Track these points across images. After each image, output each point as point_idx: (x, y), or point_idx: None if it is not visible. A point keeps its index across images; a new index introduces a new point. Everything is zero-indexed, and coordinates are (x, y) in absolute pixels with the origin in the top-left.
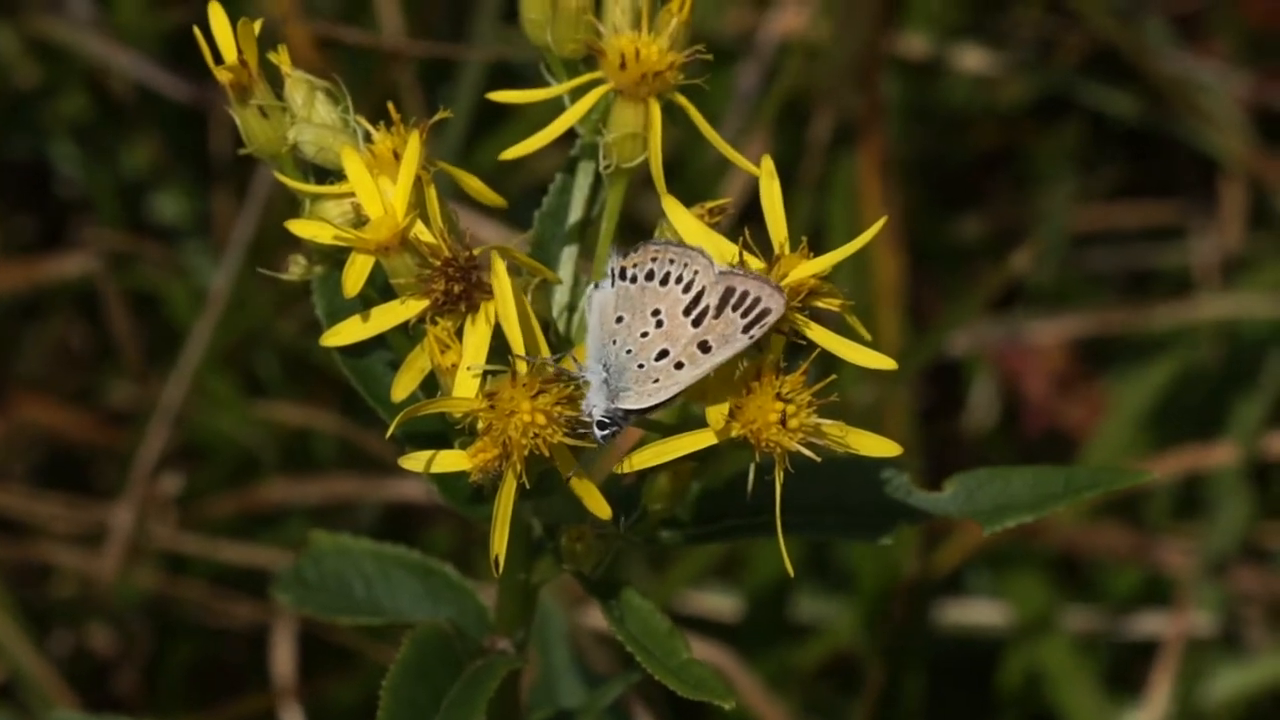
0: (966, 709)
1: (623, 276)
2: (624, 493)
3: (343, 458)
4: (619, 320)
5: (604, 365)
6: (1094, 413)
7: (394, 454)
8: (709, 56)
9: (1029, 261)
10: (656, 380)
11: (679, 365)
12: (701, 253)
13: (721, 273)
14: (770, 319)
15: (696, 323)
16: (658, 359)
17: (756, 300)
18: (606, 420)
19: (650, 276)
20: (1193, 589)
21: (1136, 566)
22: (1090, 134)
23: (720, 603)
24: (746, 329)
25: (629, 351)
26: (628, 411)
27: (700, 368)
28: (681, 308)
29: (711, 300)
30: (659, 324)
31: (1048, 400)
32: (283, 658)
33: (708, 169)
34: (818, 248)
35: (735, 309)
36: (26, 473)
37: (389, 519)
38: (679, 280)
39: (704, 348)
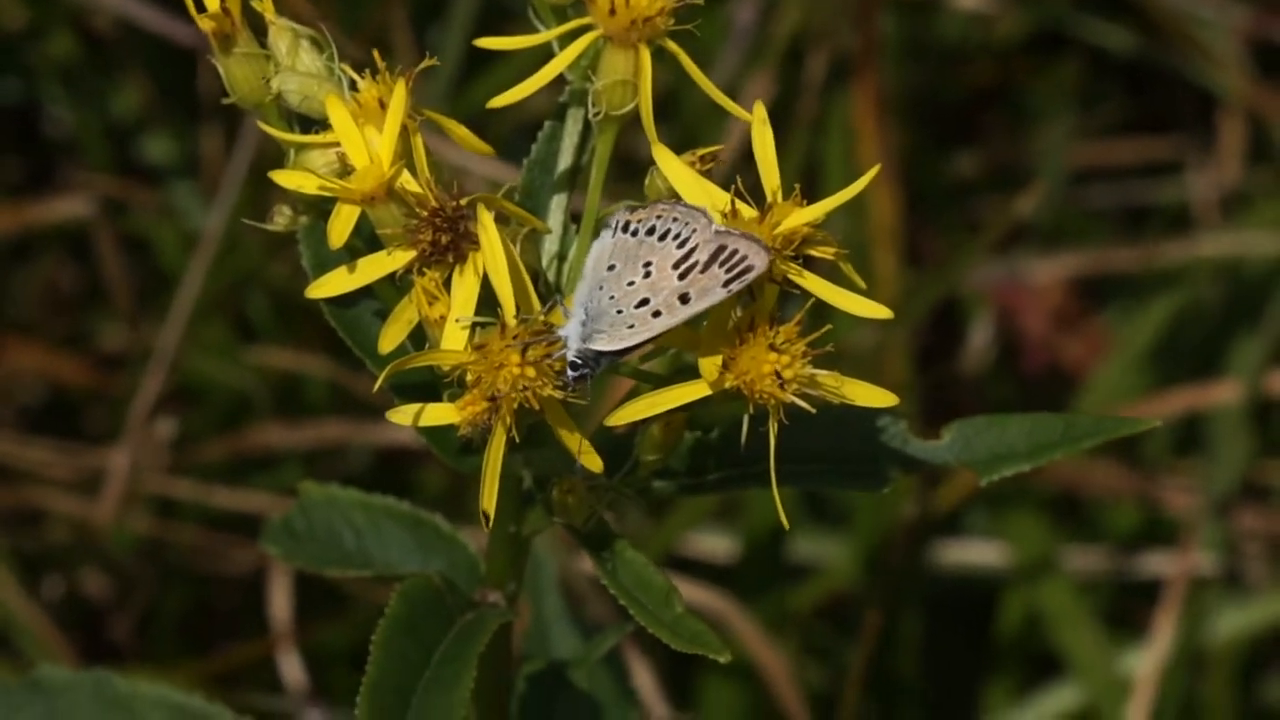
0: (965, 650)
1: (625, 229)
2: (616, 444)
3: (334, 400)
4: (610, 268)
5: (585, 309)
6: (1093, 350)
7: (385, 398)
8: (700, 1)
9: (1033, 205)
10: (632, 326)
11: (656, 314)
12: (704, 214)
13: (718, 231)
14: (750, 275)
15: (682, 276)
16: (637, 306)
17: (744, 258)
18: (579, 361)
19: (651, 232)
20: (1195, 528)
21: (1136, 505)
22: (1087, 69)
23: (717, 545)
24: (726, 283)
25: (612, 298)
26: (599, 353)
27: (675, 316)
28: (671, 261)
29: (702, 256)
30: (646, 274)
31: (1047, 338)
32: (279, 602)
33: (704, 109)
34: (813, 186)
35: (722, 265)
36: (15, 416)
37: (382, 462)
38: (676, 237)
39: (684, 299)
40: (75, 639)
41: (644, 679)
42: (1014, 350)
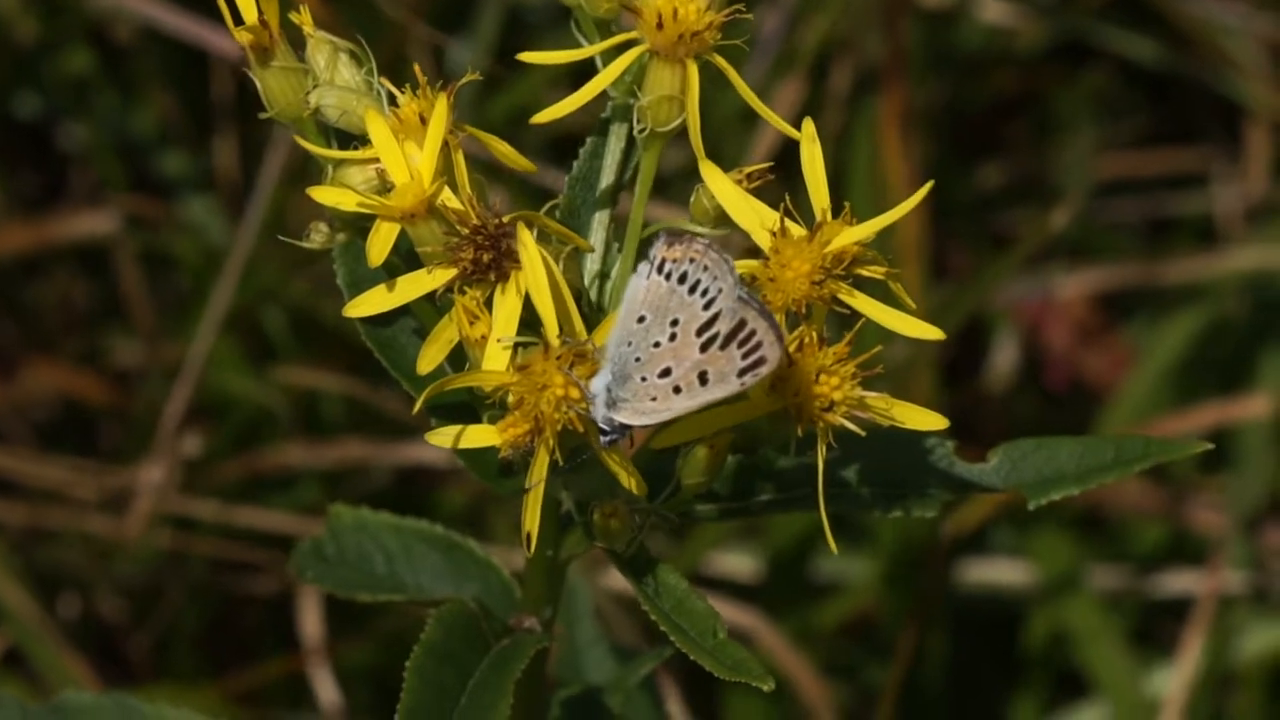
0: (991, 668)
1: (660, 270)
2: (658, 467)
3: (352, 416)
4: (640, 320)
5: (612, 367)
6: (1117, 365)
7: (406, 414)
8: (749, 15)
9: (1066, 220)
10: (654, 399)
11: (677, 389)
12: (731, 270)
13: (740, 298)
14: (763, 370)
15: (704, 348)
16: (660, 376)
17: (759, 345)
18: (606, 429)
19: (683, 280)
20: (1223, 545)
21: (1163, 523)
22: (1111, 79)
23: (741, 564)
24: (741, 373)
25: (638, 360)
26: (625, 425)
27: (694, 400)
28: (696, 326)
29: (723, 327)
30: (672, 337)
31: (1070, 353)
32: (310, 621)
33: (727, 121)
34: (836, 198)
35: (740, 345)
36: (30, 433)
37: (401, 480)
38: (705, 293)
39: (703, 379)
40: (91, 658)
41: (671, 700)
42: (1037, 365)
